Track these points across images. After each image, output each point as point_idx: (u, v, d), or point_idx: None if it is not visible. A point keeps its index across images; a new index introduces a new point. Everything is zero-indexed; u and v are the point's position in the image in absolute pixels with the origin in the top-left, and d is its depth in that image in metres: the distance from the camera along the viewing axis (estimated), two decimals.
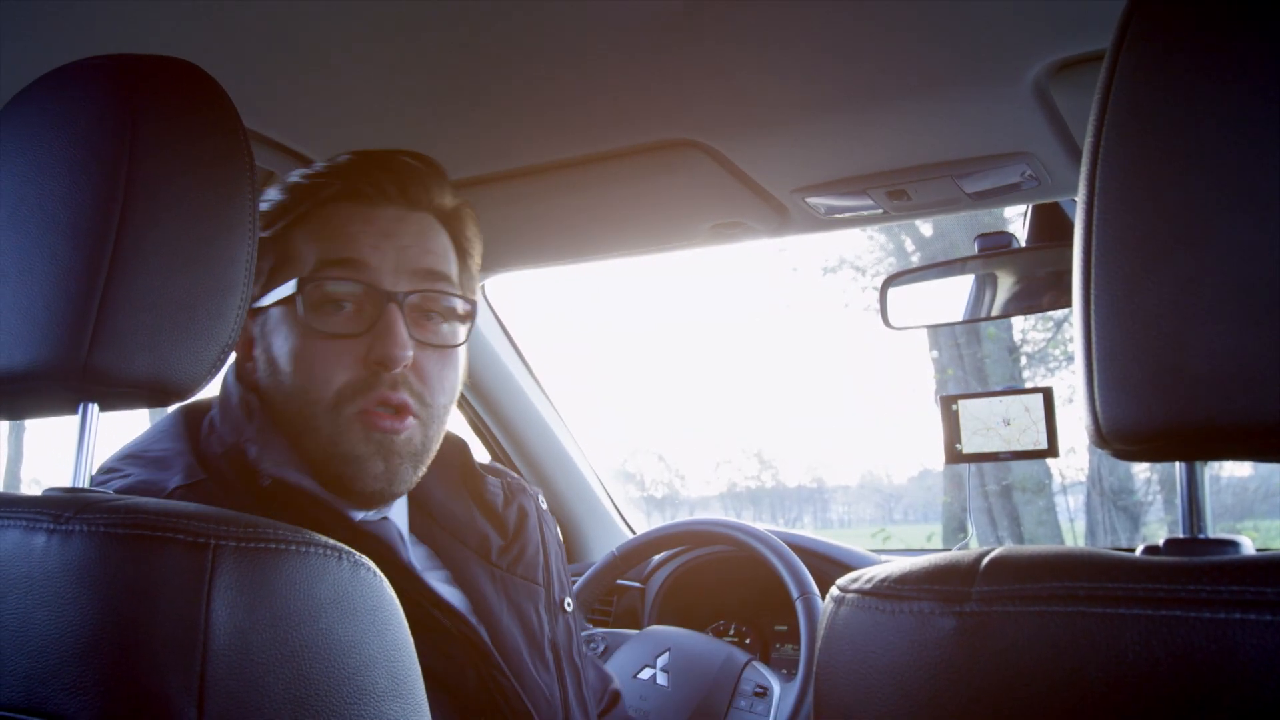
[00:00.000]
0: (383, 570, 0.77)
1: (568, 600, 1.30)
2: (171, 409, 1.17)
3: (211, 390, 1.15)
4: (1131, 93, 0.60)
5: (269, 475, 1.02)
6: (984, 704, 0.58)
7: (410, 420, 1.12)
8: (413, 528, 1.26)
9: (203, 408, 1.18)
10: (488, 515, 1.29)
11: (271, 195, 1.18)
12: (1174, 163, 0.58)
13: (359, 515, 1.14)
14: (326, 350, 1.09)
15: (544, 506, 1.36)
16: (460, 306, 1.18)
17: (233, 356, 1.20)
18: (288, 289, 1.11)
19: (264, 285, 1.15)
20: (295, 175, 1.19)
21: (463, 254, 1.23)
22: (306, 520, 1.01)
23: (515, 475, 1.37)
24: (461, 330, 1.19)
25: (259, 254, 1.14)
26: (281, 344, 1.12)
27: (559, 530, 1.37)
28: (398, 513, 1.22)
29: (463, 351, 1.20)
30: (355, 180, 1.14)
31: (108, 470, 1.06)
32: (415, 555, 1.22)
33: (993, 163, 1.42)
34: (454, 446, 1.29)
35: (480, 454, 1.34)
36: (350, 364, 1.09)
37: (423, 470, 1.17)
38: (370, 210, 1.14)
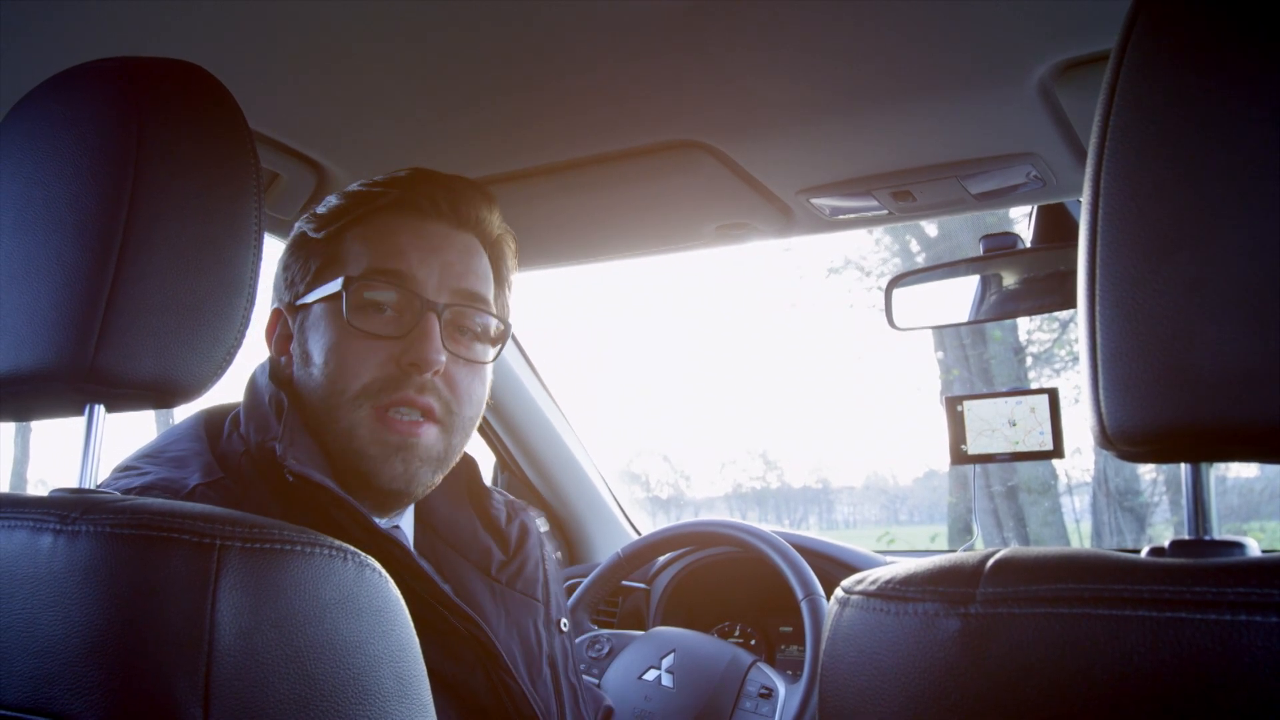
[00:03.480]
0: (396, 572, 0.77)
1: (564, 620, 1.32)
2: (192, 413, 1.19)
3: (226, 395, 1.16)
4: (1136, 93, 0.60)
5: (293, 471, 1.03)
6: (989, 706, 0.58)
7: (430, 427, 1.14)
8: (415, 543, 1.26)
9: (223, 411, 1.19)
10: (490, 530, 1.31)
11: (330, 201, 1.22)
12: (1179, 163, 0.58)
13: (378, 520, 1.15)
14: (362, 347, 1.13)
15: (543, 530, 1.37)
16: (494, 327, 1.22)
17: (261, 359, 1.22)
18: (333, 287, 1.14)
19: (309, 283, 1.19)
20: (355, 184, 1.23)
21: (500, 280, 1.27)
22: (325, 520, 1.02)
23: (516, 499, 1.40)
24: (491, 351, 1.23)
25: (309, 254, 1.18)
26: (319, 339, 1.15)
27: (556, 552, 1.40)
28: (405, 525, 1.24)
29: (490, 370, 1.23)
30: (410, 192, 1.19)
31: (125, 469, 1.07)
32: None
33: (998, 164, 1.42)
34: (463, 462, 1.31)
35: (485, 459, 1.35)
36: (383, 362, 1.12)
37: (441, 476, 1.19)
38: (421, 223, 1.19)
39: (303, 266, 1.20)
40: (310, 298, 1.17)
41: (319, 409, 1.13)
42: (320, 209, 1.22)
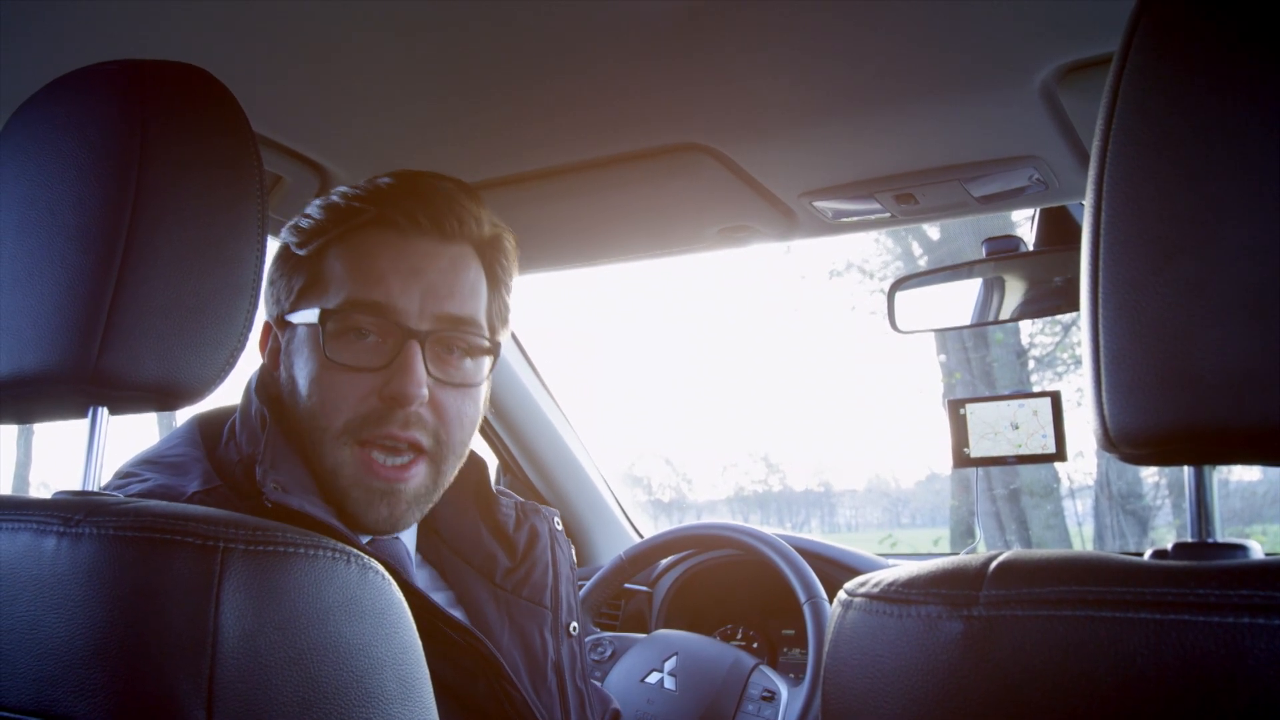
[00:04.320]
0: None
1: (573, 625, 1.29)
2: (188, 417, 1.18)
3: (231, 398, 1.16)
4: (1139, 96, 0.60)
5: (271, 499, 1.01)
6: (992, 708, 0.58)
7: (418, 467, 1.12)
8: (419, 548, 1.26)
9: (221, 416, 1.18)
10: (497, 536, 1.29)
11: (311, 212, 1.18)
12: (1182, 166, 0.58)
13: (366, 537, 1.14)
14: (343, 380, 1.10)
15: (559, 528, 1.34)
16: (484, 344, 1.18)
17: (256, 364, 1.21)
18: (312, 315, 1.12)
19: (294, 302, 1.16)
20: (335, 194, 1.19)
21: (495, 283, 1.23)
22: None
23: (531, 501, 1.36)
24: (485, 365, 1.19)
25: (293, 270, 1.15)
26: (302, 366, 1.13)
27: (573, 553, 1.36)
28: (407, 533, 1.22)
29: (485, 386, 1.20)
30: (390, 209, 1.14)
31: (125, 475, 1.06)
32: (420, 577, 1.22)
33: (1000, 166, 1.42)
34: (472, 465, 1.29)
35: (487, 461, 1.33)
36: (364, 396, 1.10)
37: (430, 506, 1.17)
38: (401, 241, 1.14)
39: (287, 284, 1.17)
40: (293, 318, 1.15)
41: (305, 437, 1.11)
42: (302, 222, 1.18)
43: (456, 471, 1.20)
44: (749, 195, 1.56)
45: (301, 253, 1.16)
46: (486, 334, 1.19)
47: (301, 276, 1.16)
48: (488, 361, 1.20)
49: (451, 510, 1.29)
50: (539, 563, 1.29)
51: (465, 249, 1.19)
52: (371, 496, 1.10)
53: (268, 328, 1.21)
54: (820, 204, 1.57)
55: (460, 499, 1.29)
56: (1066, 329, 8.16)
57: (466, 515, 1.29)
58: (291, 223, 1.20)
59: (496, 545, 1.28)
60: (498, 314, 1.24)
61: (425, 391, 1.10)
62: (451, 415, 1.14)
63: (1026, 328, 8.28)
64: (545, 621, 1.26)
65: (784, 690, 1.75)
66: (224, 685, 0.66)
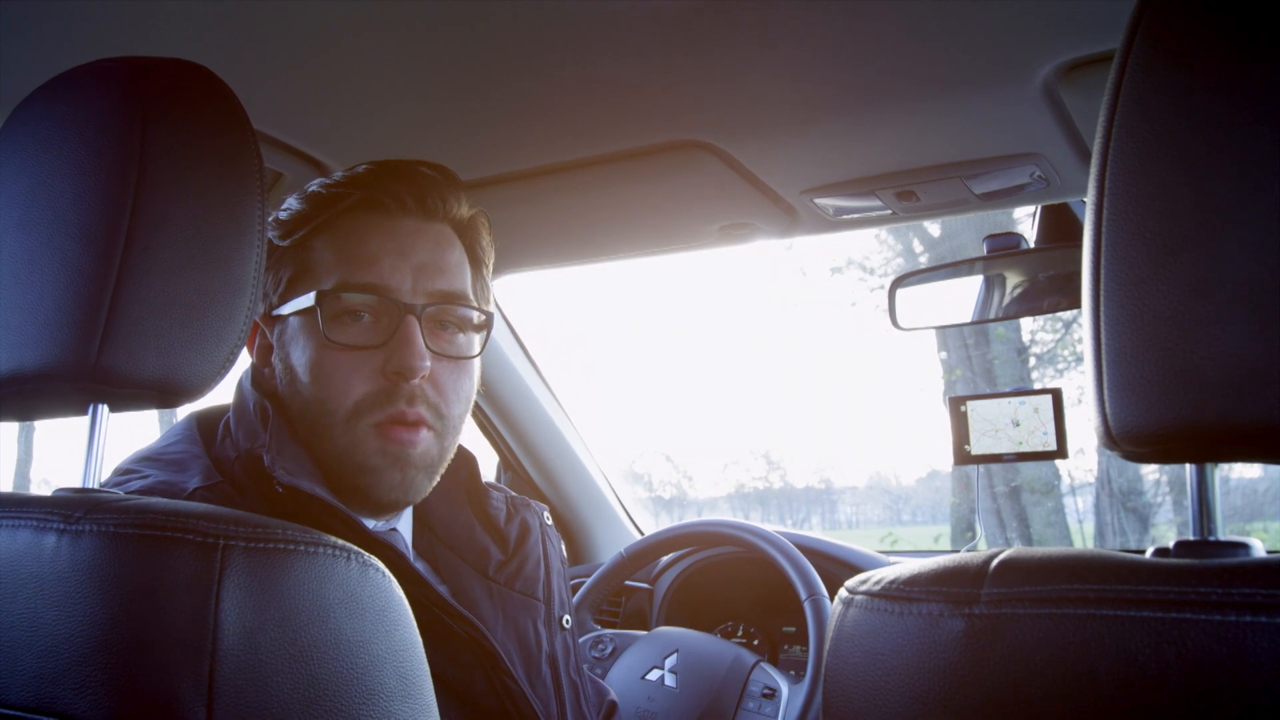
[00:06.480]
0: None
1: (566, 618, 1.30)
2: (184, 414, 1.18)
3: (224, 396, 1.16)
4: (1141, 93, 0.60)
5: (282, 483, 1.02)
6: (993, 706, 0.58)
7: (425, 432, 1.13)
8: (413, 543, 1.26)
9: (216, 413, 1.18)
10: (489, 529, 1.29)
11: (291, 204, 1.19)
12: (1184, 163, 0.57)
13: (370, 525, 1.14)
14: (345, 362, 1.11)
15: (548, 523, 1.36)
16: (476, 318, 1.20)
17: (248, 361, 1.21)
18: (306, 301, 1.12)
19: (283, 294, 1.16)
20: (315, 185, 1.20)
21: (476, 263, 1.25)
22: (319, 527, 1.02)
23: (519, 494, 1.37)
24: (477, 341, 1.21)
25: (278, 263, 1.16)
26: (300, 354, 1.13)
27: (563, 546, 1.37)
28: (404, 526, 1.23)
29: (478, 361, 1.22)
30: (374, 191, 1.16)
31: (125, 471, 1.07)
32: None
33: (1001, 164, 1.41)
34: (461, 459, 1.29)
35: (488, 458, 1.34)
36: (369, 375, 1.11)
37: (437, 479, 1.18)
38: (388, 222, 1.16)
39: (274, 277, 1.18)
40: (285, 310, 1.15)
41: (312, 425, 1.12)
42: (282, 214, 1.19)
43: (455, 448, 1.21)
44: (750, 192, 1.56)
45: (285, 244, 1.17)
46: (476, 307, 1.20)
47: (289, 268, 1.17)
48: (479, 337, 1.21)
49: (444, 504, 1.29)
50: (531, 556, 1.30)
51: (446, 229, 1.21)
52: (387, 462, 1.11)
53: (254, 326, 1.21)
54: (821, 201, 1.57)
55: (452, 493, 1.30)
56: (1068, 326, 8.16)
57: (458, 509, 1.30)
58: (270, 217, 1.20)
59: (488, 539, 1.28)
60: (480, 293, 1.25)
61: (428, 364, 1.11)
62: (450, 389, 1.16)
63: (1027, 325, 8.28)
64: (538, 614, 1.26)
65: (785, 687, 1.76)
66: (224, 682, 0.66)
